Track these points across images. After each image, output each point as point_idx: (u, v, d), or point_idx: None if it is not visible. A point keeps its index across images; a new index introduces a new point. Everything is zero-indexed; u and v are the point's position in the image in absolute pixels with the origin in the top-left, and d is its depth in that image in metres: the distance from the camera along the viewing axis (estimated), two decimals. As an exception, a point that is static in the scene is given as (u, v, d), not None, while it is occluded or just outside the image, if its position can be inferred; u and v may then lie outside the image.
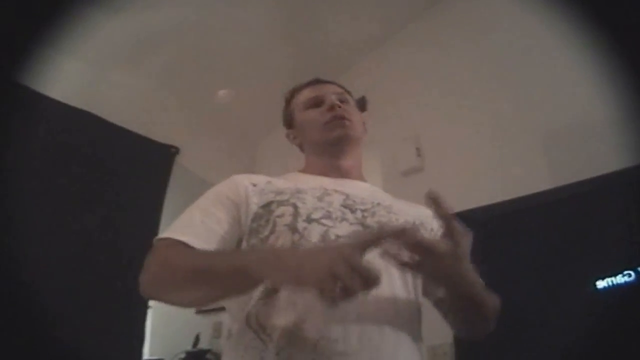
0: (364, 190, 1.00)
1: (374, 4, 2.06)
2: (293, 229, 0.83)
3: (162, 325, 3.15)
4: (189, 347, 2.84)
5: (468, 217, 1.35)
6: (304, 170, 1.06)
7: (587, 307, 1.03)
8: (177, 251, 0.80)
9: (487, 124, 1.71)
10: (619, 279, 1.04)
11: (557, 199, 1.17)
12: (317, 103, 1.04)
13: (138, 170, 2.25)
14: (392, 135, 2.00)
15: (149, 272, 0.79)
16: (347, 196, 0.93)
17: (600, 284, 1.06)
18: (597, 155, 1.29)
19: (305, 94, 1.08)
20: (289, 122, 1.12)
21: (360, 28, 2.20)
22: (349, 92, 1.12)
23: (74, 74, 1.95)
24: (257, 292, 0.80)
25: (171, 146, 2.45)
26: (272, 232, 0.84)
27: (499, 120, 1.67)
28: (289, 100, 1.13)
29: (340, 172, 1.02)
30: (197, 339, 2.88)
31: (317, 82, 1.10)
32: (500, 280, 1.19)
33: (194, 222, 0.85)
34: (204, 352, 2.73)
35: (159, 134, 2.39)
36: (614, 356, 0.85)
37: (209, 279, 0.76)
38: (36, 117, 1.82)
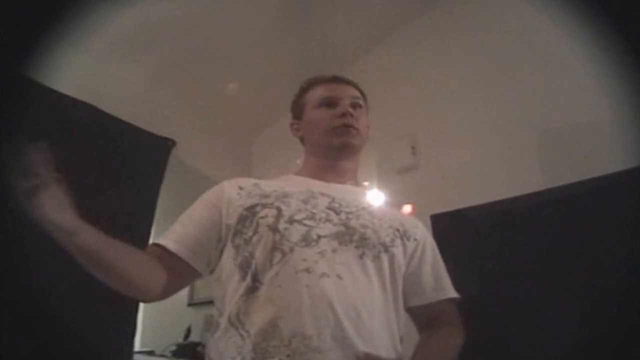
0: (351, 194, 1.02)
1: (372, 3, 2.07)
2: (274, 229, 0.86)
3: (154, 317, 3.16)
4: (180, 340, 2.85)
5: (462, 216, 1.37)
6: (298, 172, 1.09)
7: (581, 309, 1.04)
8: None
9: (483, 123, 1.72)
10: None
11: (554, 199, 1.18)
12: (330, 103, 1.04)
13: (134, 162, 2.24)
14: (388, 133, 2.01)
15: None
16: (333, 199, 0.96)
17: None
18: (598, 155, 1.29)
19: (321, 91, 1.07)
20: (297, 112, 1.12)
21: (358, 27, 2.20)
22: (364, 95, 1.12)
23: (74, 66, 1.93)
24: (241, 289, 0.84)
25: (168, 139, 2.45)
26: (255, 232, 0.87)
27: (494, 119, 1.68)
28: (303, 91, 1.12)
29: (335, 174, 1.04)
30: (188, 332, 2.90)
31: (335, 80, 1.09)
32: (492, 278, 1.21)
33: (176, 227, 0.94)
34: (195, 344, 2.74)
35: (156, 127, 2.39)
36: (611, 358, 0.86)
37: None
38: (35, 108, 1.81)
